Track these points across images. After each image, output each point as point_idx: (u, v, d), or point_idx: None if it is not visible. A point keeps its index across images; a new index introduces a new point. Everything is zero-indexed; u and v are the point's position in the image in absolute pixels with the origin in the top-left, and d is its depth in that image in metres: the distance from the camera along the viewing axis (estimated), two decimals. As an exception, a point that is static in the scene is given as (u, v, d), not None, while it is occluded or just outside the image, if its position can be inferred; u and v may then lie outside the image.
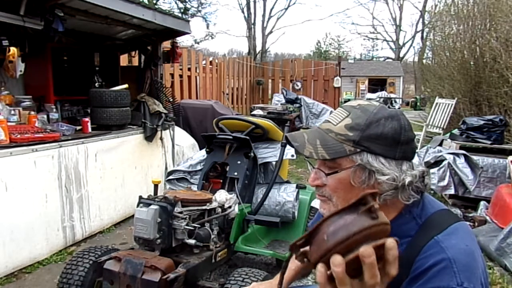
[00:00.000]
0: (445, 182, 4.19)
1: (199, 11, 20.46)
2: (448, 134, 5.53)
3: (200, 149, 4.02)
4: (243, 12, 29.93)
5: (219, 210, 2.33)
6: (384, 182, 0.91)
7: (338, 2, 70.46)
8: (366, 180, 0.93)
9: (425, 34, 24.94)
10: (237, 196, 2.53)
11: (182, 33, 4.92)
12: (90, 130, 3.81)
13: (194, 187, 2.78)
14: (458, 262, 0.85)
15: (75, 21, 3.73)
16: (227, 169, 2.78)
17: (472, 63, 6.98)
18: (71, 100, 4.33)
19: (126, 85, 4.47)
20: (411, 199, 0.94)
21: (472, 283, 0.83)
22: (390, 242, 0.66)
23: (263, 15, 31.27)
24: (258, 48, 30.49)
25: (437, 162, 4.34)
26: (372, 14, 59.85)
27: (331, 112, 8.54)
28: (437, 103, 7.56)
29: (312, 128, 1.01)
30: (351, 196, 0.95)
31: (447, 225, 0.93)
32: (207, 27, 30.24)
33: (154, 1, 14.84)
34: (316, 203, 2.95)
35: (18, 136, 3.01)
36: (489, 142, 4.54)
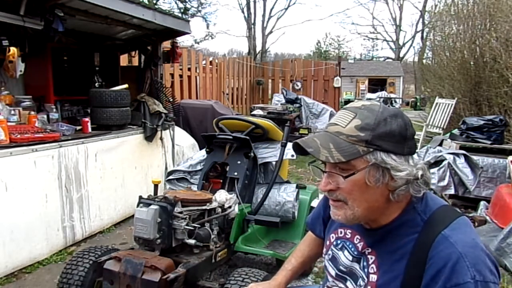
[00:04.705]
0: (445, 182, 4.19)
1: (199, 11, 20.48)
2: (448, 134, 5.53)
3: (200, 149, 4.02)
4: (243, 12, 29.98)
5: (219, 210, 2.33)
6: (400, 178, 0.94)
7: (338, 2, 70.52)
8: (380, 178, 0.95)
9: (425, 34, 24.95)
10: (237, 196, 2.53)
11: (182, 33, 4.92)
12: (90, 130, 3.81)
13: (194, 187, 2.78)
14: (468, 256, 0.89)
15: (75, 21, 3.73)
16: (227, 169, 2.78)
17: (472, 63, 6.98)
18: (71, 100, 4.33)
19: (126, 85, 4.47)
20: (422, 191, 0.98)
21: (482, 275, 0.87)
22: None
23: (263, 15, 31.32)
24: (258, 48, 30.52)
25: (437, 162, 4.34)
26: (372, 14, 59.93)
27: (331, 112, 8.57)
28: (437, 103, 7.56)
29: (320, 133, 1.02)
30: (367, 196, 0.97)
31: (450, 220, 0.96)
32: (207, 27, 30.23)
33: (154, 1, 14.84)
34: (316, 203, 2.95)
35: (18, 136, 3.01)
36: (489, 142, 4.54)
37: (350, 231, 1.13)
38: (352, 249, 1.10)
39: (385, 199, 0.98)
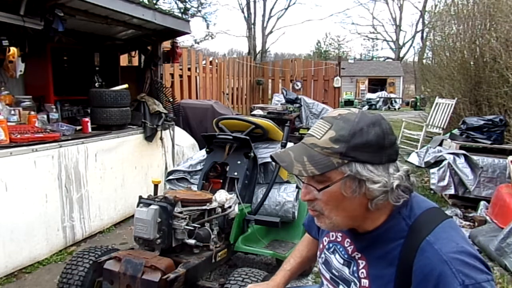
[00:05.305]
0: (445, 182, 4.20)
1: (199, 11, 20.49)
2: (448, 134, 5.53)
3: (200, 149, 4.02)
4: (243, 12, 30.01)
5: (219, 210, 2.33)
6: (375, 190, 0.93)
7: (338, 2, 70.58)
8: (357, 189, 0.94)
9: (425, 34, 24.93)
10: (237, 196, 2.53)
11: (182, 33, 4.92)
12: (90, 130, 3.81)
13: (194, 187, 2.78)
14: (454, 262, 0.88)
15: (75, 21, 3.73)
16: (227, 169, 2.78)
17: (472, 63, 6.97)
18: (71, 100, 4.33)
19: (126, 85, 4.47)
20: (401, 200, 0.97)
21: (472, 278, 0.86)
22: None
23: (263, 15, 31.35)
24: (258, 48, 30.55)
25: (437, 162, 4.35)
26: (372, 14, 60.07)
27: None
28: (437, 103, 7.56)
29: (296, 145, 1.01)
30: (344, 206, 0.96)
31: (435, 224, 0.95)
32: (207, 27, 30.38)
33: (154, 1, 14.84)
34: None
35: (18, 136, 3.01)
36: (489, 142, 4.54)
37: (341, 234, 1.13)
38: (343, 253, 1.10)
39: (364, 208, 0.97)
